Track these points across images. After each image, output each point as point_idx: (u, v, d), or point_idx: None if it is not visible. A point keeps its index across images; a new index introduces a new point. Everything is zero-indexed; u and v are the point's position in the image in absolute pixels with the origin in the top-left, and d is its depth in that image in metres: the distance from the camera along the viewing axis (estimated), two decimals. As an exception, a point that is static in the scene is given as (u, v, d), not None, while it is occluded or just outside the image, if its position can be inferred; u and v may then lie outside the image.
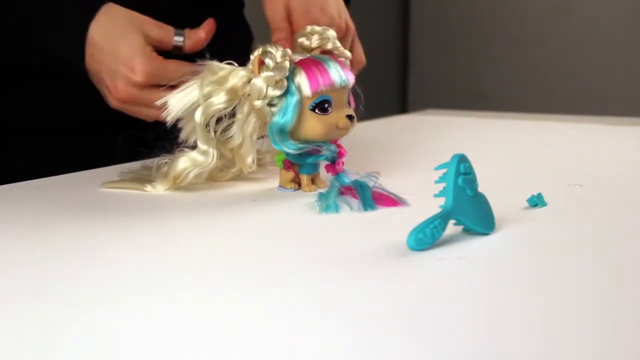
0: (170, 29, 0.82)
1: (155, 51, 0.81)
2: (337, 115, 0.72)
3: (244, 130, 0.73)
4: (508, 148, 1.10)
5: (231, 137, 0.73)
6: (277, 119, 0.71)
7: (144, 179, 0.77)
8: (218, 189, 0.77)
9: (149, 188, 0.75)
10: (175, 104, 0.71)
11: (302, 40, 0.76)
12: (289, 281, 0.50)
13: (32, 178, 0.82)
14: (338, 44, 0.77)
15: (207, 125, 0.72)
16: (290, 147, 0.71)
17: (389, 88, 3.02)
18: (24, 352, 0.39)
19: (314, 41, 0.76)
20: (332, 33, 0.76)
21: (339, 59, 0.74)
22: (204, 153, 0.72)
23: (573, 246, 0.58)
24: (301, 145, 0.72)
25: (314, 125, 0.71)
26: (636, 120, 1.39)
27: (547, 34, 2.72)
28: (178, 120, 0.72)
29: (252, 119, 0.72)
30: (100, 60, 0.81)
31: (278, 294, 0.48)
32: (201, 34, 0.84)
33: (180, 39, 0.83)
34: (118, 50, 0.79)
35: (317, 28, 0.76)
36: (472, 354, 0.39)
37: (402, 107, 3.01)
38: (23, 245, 0.59)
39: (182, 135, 0.74)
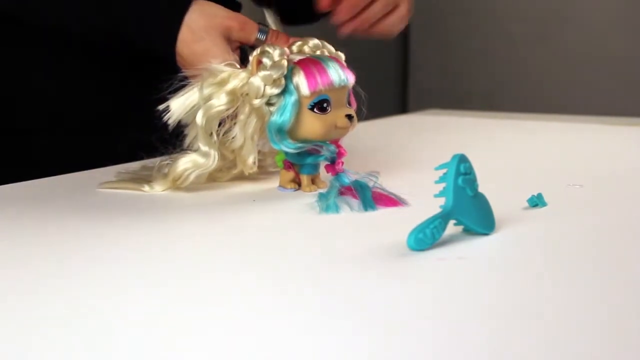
0: (253, 30, 0.79)
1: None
2: (336, 114, 0.72)
3: (245, 131, 0.73)
4: (508, 148, 1.10)
5: (233, 138, 0.73)
6: (275, 118, 0.71)
7: (141, 179, 0.77)
8: (218, 189, 0.77)
9: (146, 188, 0.75)
10: (177, 107, 0.71)
11: (295, 56, 0.75)
12: (289, 281, 0.50)
13: (31, 178, 0.82)
14: (329, 46, 0.76)
15: (209, 127, 0.72)
16: (289, 147, 0.71)
17: (389, 88, 3.02)
18: (21, 352, 0.39)
19: (312, 52, 0.75)
20: (315, 42, 0.76)
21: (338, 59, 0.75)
22: (205, 155, 0.73)
23: (573, 246, 0.58)
24: (299, 145, 0.72)
25: (312, 125, 0.71)
26: (636, 120, 1.39)
27: (547, 34, 2.72)
28: (183, 124, 0.73)
29: (253, 120, 0.73)
30: (186, 62, 0.79)
31: (278, 293, 0.48)
32: (284, 43, 0.79)
33: (263, 37, 0.79)
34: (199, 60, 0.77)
35: (300, 42, 0.76)
36: (472, 354, 0.39)
37: (402, 107, 3.01)
38: (22, 245, 0.59)
39: (187, 140, 0.74)
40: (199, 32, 0.77)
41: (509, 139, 1.19)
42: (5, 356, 0.39)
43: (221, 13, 0.79)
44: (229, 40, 0.78)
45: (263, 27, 0.80)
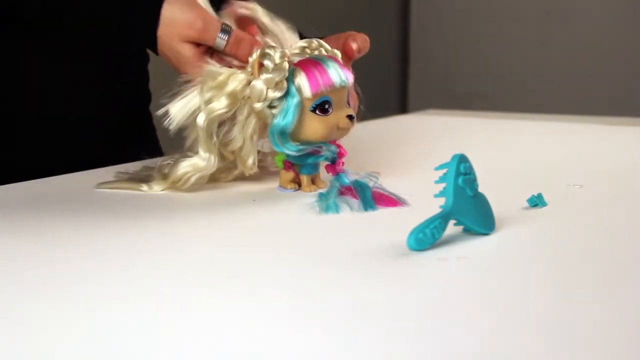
0: (213, 35, 0.76)
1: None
2: (338, 115, 0.72)
3: (244, 132, 0.73)
4: (508, 148, 1.10)
5: (232, 139, 0.73)
6: (278, 121, 0.71)
7: (140, 179, 0.77)
8: (218, 189, 0.77)
9: (145, 188, 0.75)
10: (177, 112, 0.71)
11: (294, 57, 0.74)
12: (289, 281, 0.50)
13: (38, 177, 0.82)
14: (326, 45, 0.75)
15: (210, 130, 0.71)
16: (291, 149, 0.71)
17: (389, 88, 3.02)
18: (21, 352, 0.39)
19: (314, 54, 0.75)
20: (318, 42, 0.76)
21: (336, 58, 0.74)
22: (205, 159, 0.73)
23: (573, 246, 0.58)
24: (302, 147, 0.72)
25: (314, 127, 0.71)
26: (636, 121, 1.39)
27: (547, 34, 2.72)
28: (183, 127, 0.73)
29: (252, 121, 0.72)
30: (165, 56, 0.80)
31: (278, 293, 0.48)
32: (247, 49, 0.76)
33: (225, 38, 0.76)
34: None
35: (304, 43, 0.75)
36: (472, 354, 0.39)
37: (402, 107, 3.01)
38: (21, 245, 0.59)
39: (187, 143, 0.74)
40: (164, 37, 0.77)
41: (508, 139, 1.19)
42: (4, 355, 0.39)
43: (180, 19, 0.76)
44: (191, 42, 0.77)
45: (226, 26, 0.77)
